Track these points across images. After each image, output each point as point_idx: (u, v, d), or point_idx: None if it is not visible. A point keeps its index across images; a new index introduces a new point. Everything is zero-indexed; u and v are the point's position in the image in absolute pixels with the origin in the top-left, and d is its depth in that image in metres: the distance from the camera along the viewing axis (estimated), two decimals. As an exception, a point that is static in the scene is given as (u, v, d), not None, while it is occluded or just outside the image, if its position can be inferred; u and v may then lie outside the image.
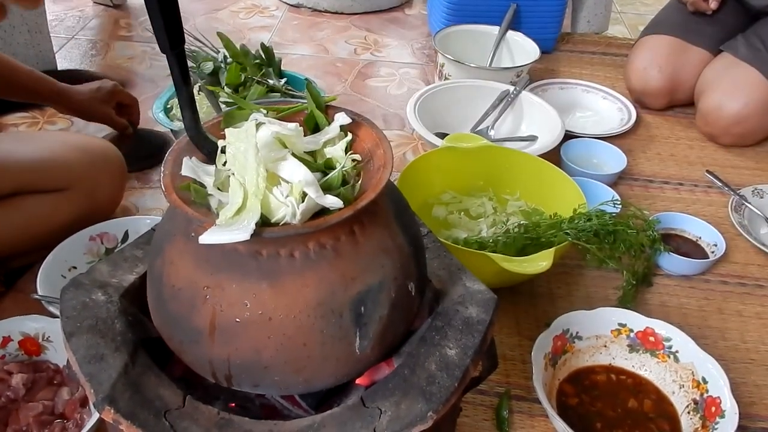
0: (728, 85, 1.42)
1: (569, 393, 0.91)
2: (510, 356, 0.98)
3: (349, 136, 0.57)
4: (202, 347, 0.50)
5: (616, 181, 1.33)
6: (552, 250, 0.93)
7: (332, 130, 0.57)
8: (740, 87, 1.40)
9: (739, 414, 0.90)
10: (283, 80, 1.34)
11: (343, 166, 0.52)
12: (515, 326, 1.02)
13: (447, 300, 0.61)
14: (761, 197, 1.28)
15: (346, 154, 0.55)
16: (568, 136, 1.36)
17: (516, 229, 1.02)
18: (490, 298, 0.61)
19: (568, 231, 0.98)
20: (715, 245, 1.15)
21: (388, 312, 0.53)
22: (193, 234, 0.49)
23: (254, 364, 0.50)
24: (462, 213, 1.13)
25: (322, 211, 0.50)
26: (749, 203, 1.25)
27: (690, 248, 1.16)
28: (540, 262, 0.92)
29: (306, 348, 0.49)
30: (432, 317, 0.59)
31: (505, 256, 0.93)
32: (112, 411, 0.48)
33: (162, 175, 0.49)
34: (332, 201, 0.49)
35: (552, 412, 0.80)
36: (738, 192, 1.28)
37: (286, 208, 0.48)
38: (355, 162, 0.55)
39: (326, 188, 0.51)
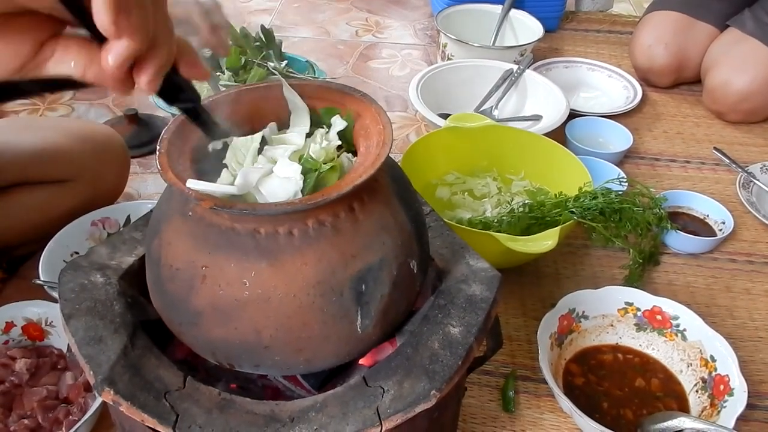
0: (735, 61, 1.39)
1: (576, 373, 0.90)
2: (516, 337, 0.97)
3: (336, 141, 0.56)
4: (201, 328, 0.49)
5: (622, 159, 1.32)
6: (557, 229, 0.92)
7: (332, 138, 0.56)
8: (747, 62, 1.38)
9: (748, 392, 0.89)
10: (284, 63, 1.33)
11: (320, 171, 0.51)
12: (521, 307, 1.02)
13: (450, 278, 0.60)
14: (769, 174, 1.27)
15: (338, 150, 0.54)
16: (573, 115, 1.35)
17: (520, 209, 1.01)
18: (494, 275, 0.60)
19: (573, 210, 0.97)
20: (723, 223, 1.13)
21: (389, 290, 0.52)
22: (190, 213, 0.49)
23: (254, 345, 0.49)
24: (466, 193, 1.12)
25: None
26: (757, 180, 1.24)
27: (697, 226, 1.15)
28: (545, 241, 0.91)
29: (306, 327, 0.49)
30: (435, 296, 0.58)
31: (509, 236, 0.92)
32: (112, 392, 0.47)
33: (158, 153, 0.49)
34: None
35: (558, 392, 0.80)
36: (746, 169, 1.26)
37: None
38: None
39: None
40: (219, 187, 0.45)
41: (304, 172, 0.52)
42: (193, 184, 0.46)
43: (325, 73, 1.41)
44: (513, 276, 1.06)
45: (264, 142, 0.55)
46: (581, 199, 0.98)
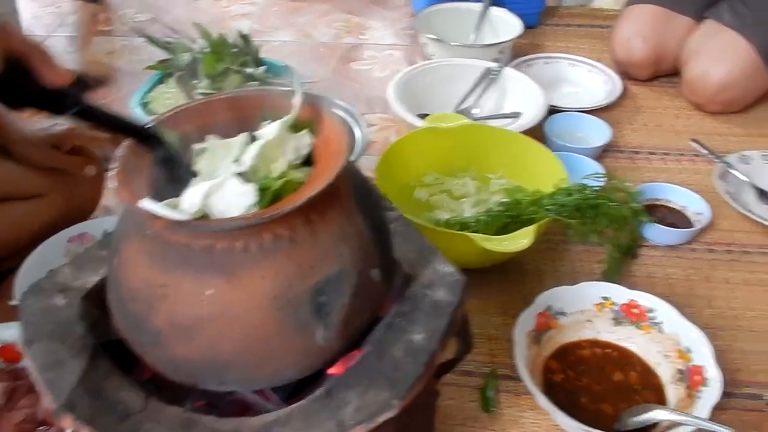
0: (712, 52, 1.40)
1: (555, 369, 0.91)
2: (496, 336, 0.98)
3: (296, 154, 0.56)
4: (162, 347, 0.50)
5: (602, 154, 1.32)
6: (532, 227, 0.93)
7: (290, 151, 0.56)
8: (725, 53, 1.38)
9: (726, 381, 0.90)
10: (263, 68, 1.33)
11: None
12: (502, 305, 1.02)
13: (416, 284, 0.61)
14: (747, 163, 1.27)
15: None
16: (553, 111, 1.35)
17: (497, 208, 1.02)
18: (457, 280, 0.61)
19: (548, 207, 0.97)
20: (701, 214, 1.14)
21: (350, 301, 0.52)
22: (147, 231, 0.49)
23: (215, 362, 0.49)
24: (444, 194, 1.13)
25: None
26: (735, 170, 1.24)
27: (676, 218, 1.16)
28: (520, 239, 0.92)
29: (266, 342, 0.49)
30: (399, 303, 0.59)
31: (484, 236, 0.93)
32: (72, 417, 0.48)
33: (111, 171, 0.49)
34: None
35: (535, 390, 0.80)
36: (724, 159, 1.27)
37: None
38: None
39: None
40: (167, 211, 0.46)
41: (263, 187, 0.52)
42: (146, 204, 0.46)
43: (304, 78, 1.42)
44: (495, 274, 1.06)
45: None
46: (557, 196, 0.98)
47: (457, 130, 1.14)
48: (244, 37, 1.35)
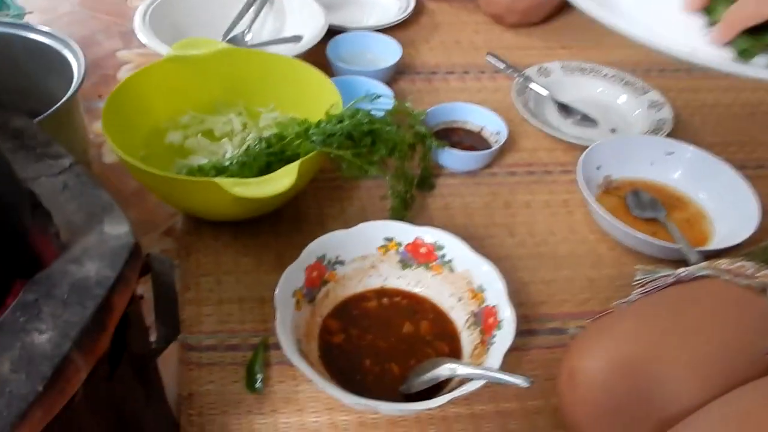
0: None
1: (334, 329, 0.76)
2: (269, 298, 0.81)
3: None
4: None
5: (396, 77, 1.18)
6: (296, 164, 0.77)
7: None
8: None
9: (528, 317, 0.81)
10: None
11: None
12: (276, 261, 0.86)
13: (60, 259, 0.43)
14: (547, 76, 1.18)
15: None
16: (338, 31, 1.19)
17: (256, 145, 0.84)
18: (123, 245, 0.43)
19: (315, 138, 0.81)
20: (498, 133, 1.03)
21: None
22: None
23: None
24: (200, 135, 0.94)
25: None
26: (535, 83, 1.15)
27: (474, 140, 1.04)
28: (281, 180, 0.76)
29: None
30: (23, 290, 0.40)
31: (235, 180, 0.75)
32: None
33: None
34: None
35: (297, 359, 0.65)
36: (522, 73, 1.16)
37: None
38: None
39: None
40: None
41: None
42: None
43: (24, 9, 1.15)
44: (267, 225, 0.90)
45: None
46: (324, 125, 0.82)
47: (212, 58, 0.94)
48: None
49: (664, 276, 0.71)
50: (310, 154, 0.79)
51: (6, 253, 0.41)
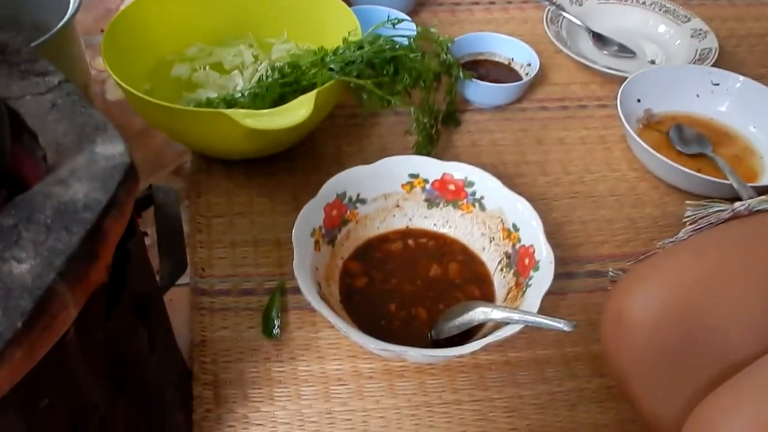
0: None
1: (356, 272, 0.71)
2: (285, 240, 0.76)
3: None
4: None
5: (417, 8, 1.10)
6: (313, 93, 0.70)
7: None
8: None
9: (565, 259, 0.74)
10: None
11: None
12: (292, 202, 0.80)
13: (43, 181, 0.37)
14: (581, 5, 1.10)
15: None
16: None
17: (269, 75, 0.78)
18: (116, 165, 0.37)
19: (333, 66, 0.74)
20: (529, 65, 0.96)
21: None
22: None
23: None
24: (208, 67, 0.87)
25: None
26: (567, 12, 1.06)
27: (502, 73, 0.97)
28: (297, 111, 0.70)
29: None
30: (2, 215, 0.35)
31: (247, 111, 0.69)
32: None
33: None
34: None
35: (318, 303, 0.60)
36: (553, 2, 1.08)
37: None
38: None
39: None
40: None
41: None
42: None
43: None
44: (281, 164, 0.84)
45: None
46: (342, 52, 0.75)
47: (221, -17, 0.87)
48: None
49: (719, 211, 0.64)
50: (328, 84, 0.73)
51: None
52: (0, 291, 0.31)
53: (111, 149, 0.39)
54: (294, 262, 0.63)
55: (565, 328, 0.57)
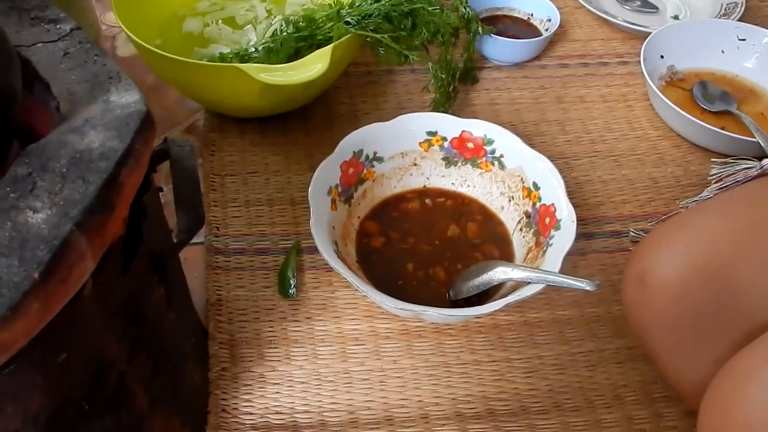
0: None
1: (373, 232, 0.70)
2: (300, 199, 0.75)
3: None
4: None
5: (433, -38, 1.07)
6: (329, 48, 0.68)
7: None
8: None
9: (585, 219, 0.73)
10: None
11: None
12: (306, 160, 0.79)
13: (58, 129, 0.36)
14: (602, -42, 1.06)
15: None
16: None
17: (284, 29, 0.75)
18: (132, 113, 0.36)
19: (349, 19, 0.72)
20: (549, 20, 0.93)
21: None
22: None
23: None
24: (221, 21, 0.85)
25: None
26: (588, -34, 1.03)
27: (520, 29, 0.94)
28: (312, 66, 0.68)
29: None
30: (15, 163, 0.33)
31: (262, 66, 0.67)
32: None
33: None
34: None
35: (336, 263, 0.59)
36: (574, -46, 1.04)
37: None
38: None
39: None
40: None
41: None
42: None
43: None
44: (295, 122, 0.82)
45: None
46: (358, 5, 0.73)
47: (233, -65, 0.84)
48: None
49: (747, 168, 0.62)
50: (344, 38, 0.71)
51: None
52: (16, 241, 0.30)
53: (126, 98, 0.38)
54: (311, 220, 0.61)
55: (588, 288, 0.55)
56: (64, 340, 0.34)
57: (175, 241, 0.43)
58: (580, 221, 0.71)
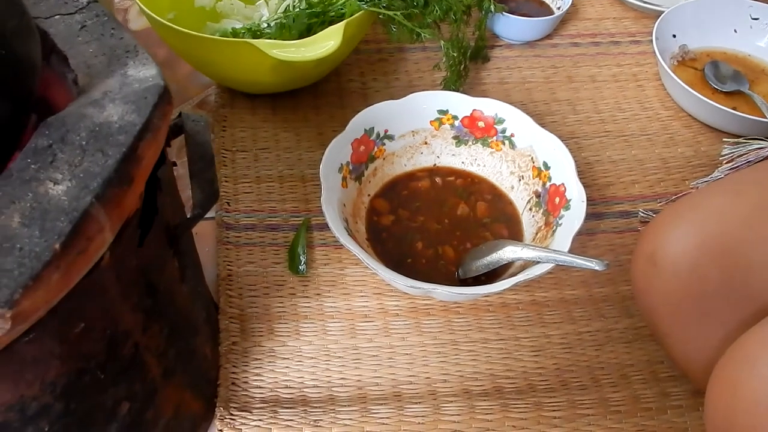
0: None
1: (383, 210, 0.70)
2: (310, 176, 0.76)
3: None
4: None
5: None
6: (341, 24, 0.68)
7: None
8: None
9: (594, 199, 0.73)
10: None
11: None
12: (317, 137, 0.79)
13: (77, 101, 0.36)
14: (616, -64, 1.05)
15: None
16: None
17: (296, 5, 0.75)
18: (150, 87, 0.36)
19: (361, -3, 0.72)
20: (561, -1, 0.92)
21: None
22: None
23: None
24: (236, -1, 0.85)
25: None
26: (601, -56, 1.02)
27: (532, 7, 0.94)
28: (325, 42, 0.68)
29: None
30: (35, 136, 0.34)
31: (274, 42, 0.67)
32: None
33: None
34: None
35: (346, 240, 0.59)
36: (588, -68, 1.03)
37: None
38: None
39: None
40: None
41: None
42: None
43: None
44: (306, 98, 0.82)
45: None
46: (371, -18, 0.73)
47: None
48: None
49: (759, 148, 0.62)
50: (357, 14, 0.70)
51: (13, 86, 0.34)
52: (37, 212, 0.30)
53: (144, 72, 0.38)
54: (322, 197, 0.62)
55: (598, 268, 0.56)
56: (81, 311, 0.35)
57: (188, 215, 0.43)
58: (590, 201, 0.71)
